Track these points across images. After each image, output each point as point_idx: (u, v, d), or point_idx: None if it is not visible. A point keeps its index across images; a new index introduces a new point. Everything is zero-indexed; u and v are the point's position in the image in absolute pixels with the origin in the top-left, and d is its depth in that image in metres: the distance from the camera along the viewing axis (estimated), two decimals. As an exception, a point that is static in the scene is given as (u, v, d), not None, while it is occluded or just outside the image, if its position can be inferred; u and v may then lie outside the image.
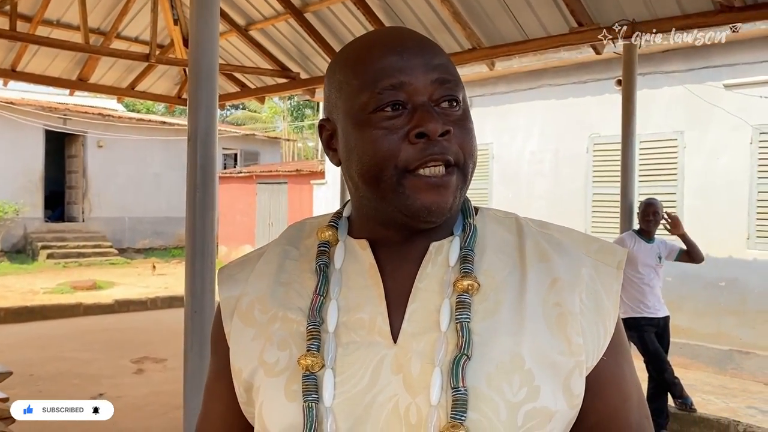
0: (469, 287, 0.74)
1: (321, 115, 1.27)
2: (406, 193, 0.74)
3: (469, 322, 0.73)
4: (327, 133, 0.83)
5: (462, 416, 0.68)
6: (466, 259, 0.77)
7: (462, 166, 0.76)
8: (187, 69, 8.29)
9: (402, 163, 0.73)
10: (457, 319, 0.73)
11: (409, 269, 0.78)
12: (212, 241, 2.39)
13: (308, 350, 0.74)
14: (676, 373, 4.83)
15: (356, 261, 0.80)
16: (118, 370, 6.07)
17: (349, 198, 0.85)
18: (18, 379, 4.19)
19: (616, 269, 0.80)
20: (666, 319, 4.76)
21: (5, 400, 3.48)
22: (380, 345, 0.74)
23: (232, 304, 0.84)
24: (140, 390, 5.46)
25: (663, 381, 4.58)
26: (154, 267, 13.91)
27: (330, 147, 0.83)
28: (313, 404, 0.72)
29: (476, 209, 0.84)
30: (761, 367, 6.35)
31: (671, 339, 4.88)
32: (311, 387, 0.73)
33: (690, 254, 4.88)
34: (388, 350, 0.74)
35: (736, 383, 6.25)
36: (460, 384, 0.69)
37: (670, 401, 4.74)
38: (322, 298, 0.78)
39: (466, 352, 0.71)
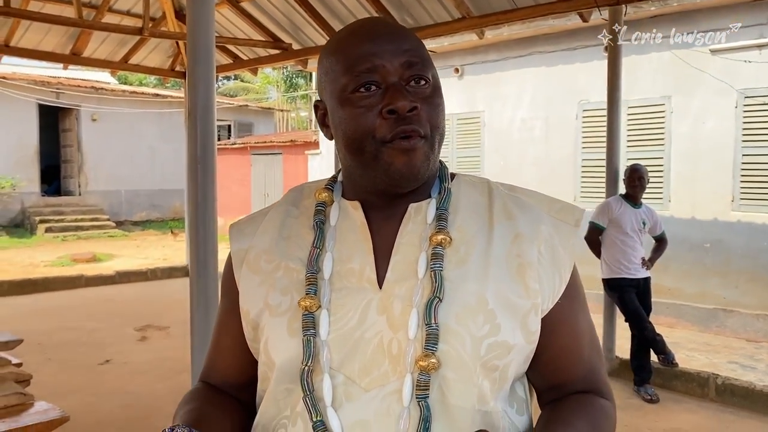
0: (443, 241, 0.88)
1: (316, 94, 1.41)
2: (384, 160, 0.87)
3: (441, 270, 0.87)
4: (321, 112, 0.97)
5: (434, 347, 0.83)
6: (440, 218, 0.90)
7: (429, 137, 0.88)
8: (179, 42, 8.35)
9: (379, 136, 0.86)
10: (431, 268, 0.87)
11: (393, 227, 0.92)
12: (213, 210, 2.54)
13: (307, 294, 0.89)
14: (663, 332, 5.03)
15: (349, 219, 0.94)
16: (123, 337, 6.25)
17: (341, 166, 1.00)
18: (27, 348, 4.34)
19: (574, 226, 0.94)
20: (647, 280, 4.93)
21: (19, 365, 3.65)
22: (368, 290, 0.89)
23: (241, 255, 0.99)
24: (145, 356, 5.65)
25: (644, 338, 4.78)
26: (173, 233, 14.17)
27: (324, 124, 0.97)
28: (311, 338, 0.86)
29: (453, 175, 0.98)
30: (743, 325, 6.58)
31: (654, 299, 5.08)
32: (309, 324, 0.87)
33: (659, 247, 5.07)
34: (374, 295, 0.88)
35: (720, 340, 6.47)
36: (433, 321, 0.83)
37: (654, 357, 4.96)
38: (318, 250, 0.92)
39: (438, 295, 0.85)
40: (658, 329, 4.95)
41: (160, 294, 8.61)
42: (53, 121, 16.27)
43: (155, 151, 17.05)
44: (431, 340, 0.83)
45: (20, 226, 14.89)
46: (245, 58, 8.54)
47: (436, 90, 0.91)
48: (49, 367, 5.15)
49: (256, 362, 0.97)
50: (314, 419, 0.84)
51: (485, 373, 0.85)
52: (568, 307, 0.92)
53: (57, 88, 15.41)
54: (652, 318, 4.93)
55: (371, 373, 0.85)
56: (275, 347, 0.90)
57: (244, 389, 1.01)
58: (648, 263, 4.90)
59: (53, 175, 16.45)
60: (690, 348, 6.07)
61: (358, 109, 0.87)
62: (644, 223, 4.94)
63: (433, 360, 0.82)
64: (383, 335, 0.86)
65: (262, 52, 8.26)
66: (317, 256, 0.92)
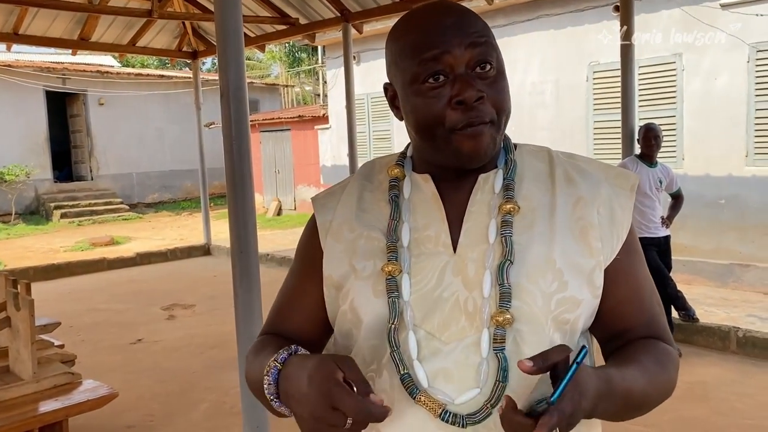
0: (511, 209, 0.96)
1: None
2: (454, 146, 0.94)
3: (511, 236, 0.95)
4: (390, 94, 1.04)
5: (508, 304, 0.91)
6: (508, 188, 0.98)
7: (496, 121, 0.96)
8: (185, 22, 8.35)
9: (449, 125, 0.94)
10: (502, 234, 0.95)
11: (462, 196, 1.00)
12: (250, 188, 2.61)
13: (389, 260, 0.97)
14: (680, 289, 5.11)
15: (421, 192, 1.02)
16: (151, 317, 6.39)
17: (409, 141, 1.07)
18: (60, 331, 4.47)
19: (630, 191, 1.01)
20: (667, 238, 5.00)
21: (62, 346, 3.78)
22: (443, 255, 0.97)
23: (326, 226, 1.07)
24: (175, 334, 5.78)
25: (666, 295, 4.86)
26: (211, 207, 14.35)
27: (394, 105, 1.04)
28: (396, 299, 0.95)
29: (515, 145, 1.06)
30: (760, 278, 6.66)
31: (673, 257, 5.15)
32: (393, 287, 0.96)
33: (676, 204, 5.13)
34: (449, 258, 0.97)
35: (737, 295, 6.55)
36: (505, 282, 0.91)
37: (675, 314, 5.04)
38: (396, 221, 1.00)
39: (509, 258, 0.93)
40: (677, 286, 5.03)
41: (182, 273, 8.76)
42: (61, 107, 16.33)
43: (163, 132, 17.12)
44: (505, 298, 0.91)
45: (36, 213, 15.06)
46: (252, 35, 8.53)
47: (500, 73, 0.97)
48: (84, 347, 5.29)
49: (327, 322, 1.06)
50: (401, 372, 0.93)
51: (556, 326, 0.93)
52: (626, 260, 0.99)
53: (63, 74, 15.43)
54: (671, 275, 5.00)
55: (450, 328, 0.93)
56: (362, 307, 0.99)
57: (310, 344, 1.09)
58: (667, 221, 4.96)
59: (64, 161, 16.55)
60: (708, 303, 6.15)
61: (428, 100, 0.94)
62: (661, 182, 4.98)
63: (508, 316, 0.91)
64: (459, 294, 0.94)
65: (268, 28, 8.25)
66: (395, 226, 1.00)
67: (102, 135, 16.23)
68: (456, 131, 0.93)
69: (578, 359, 0.77)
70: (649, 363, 0.95)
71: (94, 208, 15.12)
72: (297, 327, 1.10)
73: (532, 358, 0.78)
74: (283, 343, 1.03)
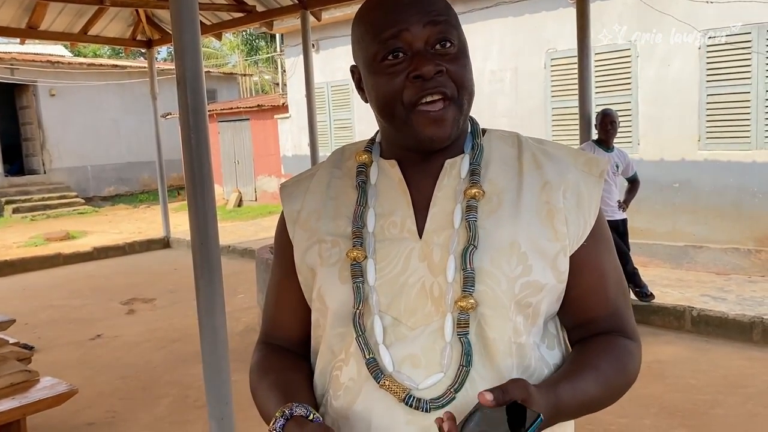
0: (476, 194, 0.96)
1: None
2: (414, 126, 0.93)
3: (476, 221, 0.94)
4: (356, 77, 1.03)
5: (471, 289, 0.91)
6: (474, 172, 0.98)
7: (457, 99, 0.94)
8: (139, 10, 8.14)
9: (406, 100, 0.92)
10: (466, 219, 0.95)
11: (429, 181, 0.99)
12: (210, 178, 2.57)
13: (354, 246, 0.97)
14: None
15: (387, 177, 1.02)
16: (110, 312, 6.26)
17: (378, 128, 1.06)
18: (15, 328, 4.35)
19: (598, 177, 1.01)
20: (624, 221, 5.12)
21: (17, 343, 3.68)
22: (409, 240, 0.97)
23: (293, 215, 1.07)
24: (135, 329, 5.68)
25: (626, 273, 4.99)
26: (179, 193, 14.84)
27: (360, 88, 1.03)
28: (360, 284, 0.95)
29: (484, 130, 1.05)
30: (713, 259, 6.86)
31: (630, 240, 5.27)
32: (358, 272, 0.95)
33: (632, 188, 5.27)
34: (415, 244, 0.96)
35: (691, 275, 6.73)
36: (468, 266, 0.91)
37: (632, 295, 5.17)
38: (362, 207, 1.00)
39: (473, 243, 0.92)
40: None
41: (141, 267, 8.59)
42: (9, 99, 15.80)
43: (118, 123, 16.72)
44: (468, 282, 0.91)
45: (-14, 208, 14.57)
46: (208, 23, 8.36)
47: (461, 51, 0.96)
48: (40, 345, 5.16)
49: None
50: (367, 357, 0.92)
51: (519, 309, 0.94)
52: (594, 249, 0.99)
53: (11, 64, 14.91)
54: (627, 257, 5.14)
55: (416, 313, 0.93)
56: (328, 293, 0.99)
57: (306, 345, 1.09)
58: (624, 205, 5.07)
59: (15, 154, 16.03)
60: (664, 285, 6.31)
61: (387, 77, 0.93)
62: (617, 166, 5.09)
63: (471, 300, 0.91)
64: (425, 280, 0.94)
65: (225, 15, 8.10)
66: (361, 212, 0.99)
67: (54, 127, 15.76)
68: (414, 108, 0.92)
69: (531, 429, 0.76)
70: (607, 368, 0.95)
71: (48, 202, 14.71)
72: (288, 329, 1.10)
73: (492, 390, 0.77)
74: (282, 367, 1.05)
